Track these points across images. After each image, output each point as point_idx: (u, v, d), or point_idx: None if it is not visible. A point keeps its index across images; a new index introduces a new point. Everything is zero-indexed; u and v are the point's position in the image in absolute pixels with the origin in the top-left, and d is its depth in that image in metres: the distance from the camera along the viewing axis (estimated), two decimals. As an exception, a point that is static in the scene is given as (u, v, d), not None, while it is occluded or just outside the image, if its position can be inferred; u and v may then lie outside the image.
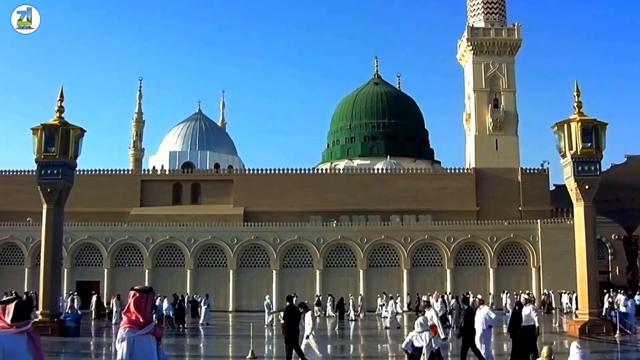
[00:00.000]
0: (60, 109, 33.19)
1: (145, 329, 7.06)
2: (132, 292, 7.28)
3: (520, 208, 70.10)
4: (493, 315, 19.72)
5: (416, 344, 16.36)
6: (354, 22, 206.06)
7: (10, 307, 6.56)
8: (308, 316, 20.11)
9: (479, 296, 22.33)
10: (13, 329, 6.43)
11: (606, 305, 38.73)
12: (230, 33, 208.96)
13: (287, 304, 21.02)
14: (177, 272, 60.96)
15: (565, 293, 53.30)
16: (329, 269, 61.12)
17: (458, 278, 60.40)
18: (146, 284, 58.57)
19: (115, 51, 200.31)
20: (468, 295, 30.84)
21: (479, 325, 19.23)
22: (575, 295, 52.38)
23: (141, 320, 7.08)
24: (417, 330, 16.53)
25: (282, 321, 20.33)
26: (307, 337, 19.58)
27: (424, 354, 16.09)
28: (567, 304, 52.67)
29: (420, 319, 17.08)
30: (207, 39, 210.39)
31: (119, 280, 59.33)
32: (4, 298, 7.09)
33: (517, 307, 21.05)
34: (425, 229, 62.35)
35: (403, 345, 17.28)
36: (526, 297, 22.00)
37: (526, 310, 20.59)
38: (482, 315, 19.39)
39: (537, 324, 20.04)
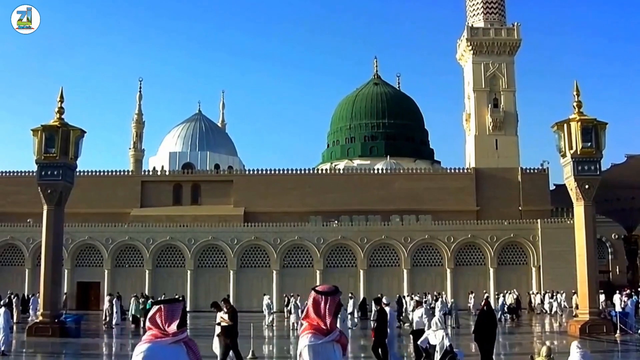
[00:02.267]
0: (61, 110, 33.22)
1: (330, 337, 6.01)
2: (317, 295, 6.20)
3: (520, 208, 70.11)
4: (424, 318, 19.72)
5: (432, 342, 16.95)
6: (354, 22, 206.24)
7: (173, 311, 5.71)
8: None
9: (416, 297, 22.19)
10: (169, 338, 5.61)
11: (620, 304, 38.71)
12: (230, 33, 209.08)
13: (485, 307, 20.48)
14: (178, 272, 60.98)
15: (556, 293, 53.53)
16: (329, 269, 61.15)
17: (458, 278, 60.45)
18: (147, 285, 58.75)
19: (115, 52, 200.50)
20: (381, 297, 30.31)
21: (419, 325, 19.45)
22: (564, 295, 52.69)
23: (322, 326, 6.02)
24: (432, 328, 16.93)
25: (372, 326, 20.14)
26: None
27: (437, 351, 16.64)
28: (549, 303, 52.85)
29: (435, 319, 17.40)
30: (207, 39, 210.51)
31: (119, 281, 59.41)
32: (160, 298, 6.34)
33: (485, 308, 20.55)
34: (425, 229, 62.38)
35: (419, 342, 17.99)
36: (417, 299, 21.51)
37: (417, 312, 20.22)
38: (416, 316, 19.50)
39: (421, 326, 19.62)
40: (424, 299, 21.17)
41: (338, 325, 6.56)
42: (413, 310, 19.96)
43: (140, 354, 5.53)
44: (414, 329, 19.36)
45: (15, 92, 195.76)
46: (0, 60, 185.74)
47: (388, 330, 19.36)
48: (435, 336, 16.83)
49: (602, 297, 43.08)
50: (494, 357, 19.68)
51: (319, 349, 5.93)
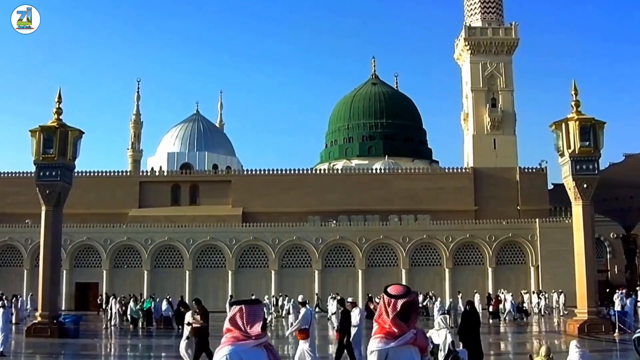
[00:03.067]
0: (59, 111, 33.18)
1: (400, 340, 5.56)
2: (384, 297, 5.77)
3: (518, 207, 70.16)
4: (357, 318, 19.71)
5: (435, 341, 17.03)
6: (351, 22, 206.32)
7: (255, 312, 5.40)
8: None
9: (350, 299, 22.18)
10: (252, 341, 5.32)
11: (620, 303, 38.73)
12: (228, 34, 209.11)
13: (467, 307, 20.21)
14: (176, 273, 60.96)
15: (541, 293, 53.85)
16: (328, 269, 61.16)
17: (457, 277, 60.46)
18: (145, 286, 58.72)
19: (113, 52, 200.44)
20: (340, 297, 29.88)
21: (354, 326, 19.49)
22: (554, 295, 52.75)
23: (394, 329, 5.57)
24: (436, 328, 17.12)
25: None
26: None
27: (441, 350, 16.77)
28: (536, 304, 52.99)
29: (439, 318, 17.50)
30: (205, 40, 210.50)
31: (117, 282, 59.42)
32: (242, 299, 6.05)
33: (467, 308, 20.25)
34: (423, 228, 62.41)
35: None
36: (350, 300, 21.41)
37: (354, 313, 20.17)
38: (354, 316, 19.53)
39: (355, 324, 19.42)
40: (353, 301, 21.01)
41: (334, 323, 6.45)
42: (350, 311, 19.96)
43: (223, 357, 5.28)
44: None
45: (14, 92, 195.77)
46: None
47: (353, 331, 19.49)
48: (439, 335, 16.90)
49: (614, 296, 43.22)
50: (484, 356, 19.71)
51: (385, 354, 5.55)
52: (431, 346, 17.31)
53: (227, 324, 5.42)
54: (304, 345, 17.42)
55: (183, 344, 20.00)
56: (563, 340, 29.48)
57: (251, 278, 60.42)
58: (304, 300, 19.07)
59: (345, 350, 19.42)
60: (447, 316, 19.81)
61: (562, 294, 52.35)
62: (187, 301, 33.39)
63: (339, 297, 28.10)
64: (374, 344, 5.60)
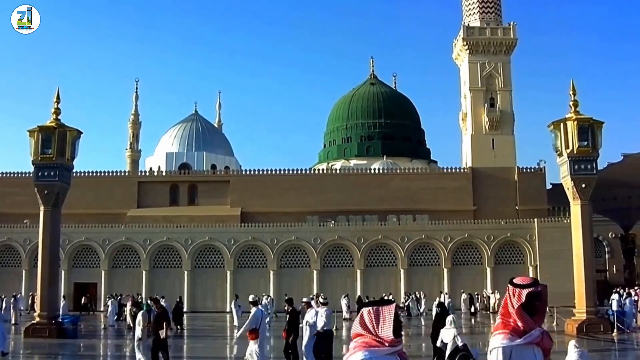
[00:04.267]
0: (57, 111, 33.17)
1: (526, 338, 5.08)
2: (509, 287, 5.25)
3: (517, 207, 70.17)
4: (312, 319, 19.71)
5: (444, 340, 17.29)
6: (350, 22, 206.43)
7: (386, 315, 4.80)
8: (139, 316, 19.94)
9: (304, 299, 22.14)
10: (386, 348, 4.74)
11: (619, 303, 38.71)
12: (226, 34, 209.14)
13: (438, 309, 20.05)
14: (175, 273, 60.90)
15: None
16: (326, 269, 61.12)
17: (455, 277, 60.44)
18: (143, 286, 58.69)
19: (111, 52, 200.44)
20: (288, 297, 29.77)
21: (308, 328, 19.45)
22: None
23: (519, 324, 5.09)
24: (446, 327, 17.37)
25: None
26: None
27: (449, 349, 16.86)
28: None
29: (450, 317, 17.67)
30: (203, 39, 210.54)
31: (116, 282, 59.39)
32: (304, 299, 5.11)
33: (439, 309, 19.95)
34: (422, 228, 62.39)
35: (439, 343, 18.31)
36: (322, 300, 21.30)
37: (308, 314, 20.10)
38: (308, 317, 19.55)
39: (326, 327, 18.99)
40: (324, 301, 20.65)
41: (321, 322, 6.25)
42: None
43: None
44: (322, 330, 19.30)
45: (12, 92, 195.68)
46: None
47: (307, 330, 19.47)
48: (447, 334, 17.07)
49: (613, 296, 43.25)
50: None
51: (509, 352, 5.08)
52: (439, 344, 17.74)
53: (357, 328, 4.87)
54: (253, 346, 17.31)
55: (137, 345, 19.76)
56: (562, 340, 29.47)
57: (250, 278, 60.35)
58: (254, 300, 18.93)
59: (290, 351, 19.41)
60: (308, 318, 19.71)
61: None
62: (184, 302, 33.41)
63: (307, 299, 27.95)
64: (498, 340, 5.14)
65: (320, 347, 18.65)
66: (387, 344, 4.72)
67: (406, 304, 52.16)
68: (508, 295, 5.17)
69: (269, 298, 49.38)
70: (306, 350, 19.33)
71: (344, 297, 51.16)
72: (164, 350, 19.23)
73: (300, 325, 20.38)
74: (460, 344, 16.79)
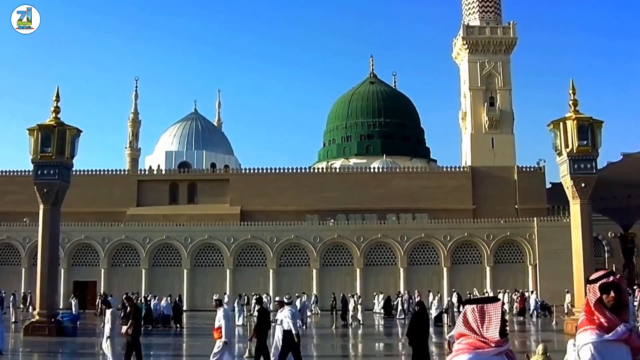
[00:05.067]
0: (57, 109, 33.15)
1: (613, 334, 4.77)
2: (589, 286, 4.98)
3: (516, 206, 70.18)
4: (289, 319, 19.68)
5: None
6: (350, 21, 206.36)
7: (492, 313, 4.52)
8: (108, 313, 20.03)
9: (277, 298, 22.05)
10: (492, 349, 4.47)
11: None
12: (226, 32, 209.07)
13: (417, 308, 19.96)
14: (174, 271, 60.91)
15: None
16: (326, 268, 61.14)
17: (455, 276, 60.47)
18: (143, 284, 58.69)
19: (111, 51, 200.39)
20: (258, 295, 29.46)
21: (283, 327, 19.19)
22: (511, 295, 52.65)
23: (601, 319, 4.81)
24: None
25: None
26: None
27: None
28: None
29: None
30: (203, 38, 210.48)
31: (115, 280, 59.38)
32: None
33: (416, 308, 19.61)
34: (421, 227, 62.39)
35: (447, 336, 18.22)
36: (286, 299, 21.17)
37: (281, 313, 20.04)
38: (282, 317, 19.55)
39: (293, 330, 18.62)
40: (288, 301, 20.44)
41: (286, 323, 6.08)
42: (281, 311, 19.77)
43: None
44: (284, 329, 19.29)
45: (12, 91, 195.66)
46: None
47: (279, 329, 19.46)
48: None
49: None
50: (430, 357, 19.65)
51: (601, 349, 4.75)
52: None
53: (460, 328, 4.62)
54: (218, 343, 17.59)
55: (105, 342, 19.71)
56: (561, 339, 29.47)
57: (249, 277, 60.38)
58: (218, 299, 19.07)
59: (262, 350, 19.48)
60: (441, 315, 19.98)
61: (533, 293, 54.03)
62: (183, 301, 33.37)
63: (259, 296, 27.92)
64: (587, 336, 4.82)
65: (287, 346, 18.66)
66: (492, 345, 4.47)
67: (395, 303, 51.99)
68: (587, 292, 4.96)
69: (307, 296, 49.21)
70: (275, 350, 19.52)
71: (376, 295, 51.59)
72: (136, 350, 19.29)
73: (273, 325, 20.50)
74: None
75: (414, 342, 18.49)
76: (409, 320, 19.76)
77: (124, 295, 23.71)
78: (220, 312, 17.85)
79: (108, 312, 20.14)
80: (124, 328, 19.14)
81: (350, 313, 42.53)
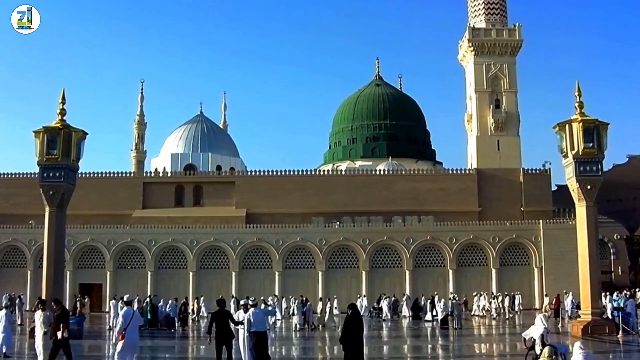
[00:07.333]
0: (62, 112, 33.16)
1: None
2: None
3: (522, 208, 70.03)
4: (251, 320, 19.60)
5: (534, 337, 19.35)
6: (356, 23, 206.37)
7: None
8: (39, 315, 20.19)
9: (242, 301, 22.04)
10: None
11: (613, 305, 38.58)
12: (232, 35, 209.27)
13: (349, 311, 19.17)
14: (180, 274, 60.99)
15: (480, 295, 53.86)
16: (332, 271, 61.12)
17: (460, 279, 60.43)
18: (149, 287, 58.73)
19: (116, 53, 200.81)
20: (221, 297, 29.28)
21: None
22: (501, 298, 52.22)
23: None
24: (535, 324, 19.34)
25: None
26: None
27: (538, 345, 18.55)
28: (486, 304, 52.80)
29: (540, 316, 18.91)
30: (209, 40, 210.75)
31: (121, 283, 59.48)
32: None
33: (350, 312, 18.76)
34: (427, 229, 62.34)
35: (524, 334, 20.80)
36: (250, 301, 21.11)
37: (247, 314, 19.94)
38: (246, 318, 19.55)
39: (256, 328, 18.94)
40: (253, 302, 20.53)
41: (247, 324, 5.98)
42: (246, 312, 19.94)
43: None
44: (255, 330, 19.30)
45: (16, 93, 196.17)
46: (0, 61, 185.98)
47: (241, 332, 19.72)
48: (536, 331, 19.11)
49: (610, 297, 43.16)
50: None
51: None
52: (532, 340, 19.61)
53: None
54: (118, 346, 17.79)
55: (38, 340, 20.06)
56: (568, 342, 29.39)
57: (255, 279, 60.44)
58: (128, 300, 19.18)
59: (217, 350, 19.79)
60: (545, 315, 21.62)
61: (518, 295, 54.45)
62: (189, 303, 33.37)
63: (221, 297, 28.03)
64: None
65: (256, 347, 18.91)
66: None
67: (379, 305, 51.83)
68: None
69: (305, 299, 48.68)
70: (244, 351, 19.81)
71: (385, 298, 51.11)
72: (65, 349, 19.37)
73: (237, 326, 20.60)
74: (548, 341, 17.71)
75: (348, 347, 18.18)
76: (342, 325, 19.49)
77: (53, 299, 23.59)
78: (120, 312, 18.21)
79: (36, 314, 20.58)
80: (59, 333, 19.22)
81: (318, 315, 42.60)
